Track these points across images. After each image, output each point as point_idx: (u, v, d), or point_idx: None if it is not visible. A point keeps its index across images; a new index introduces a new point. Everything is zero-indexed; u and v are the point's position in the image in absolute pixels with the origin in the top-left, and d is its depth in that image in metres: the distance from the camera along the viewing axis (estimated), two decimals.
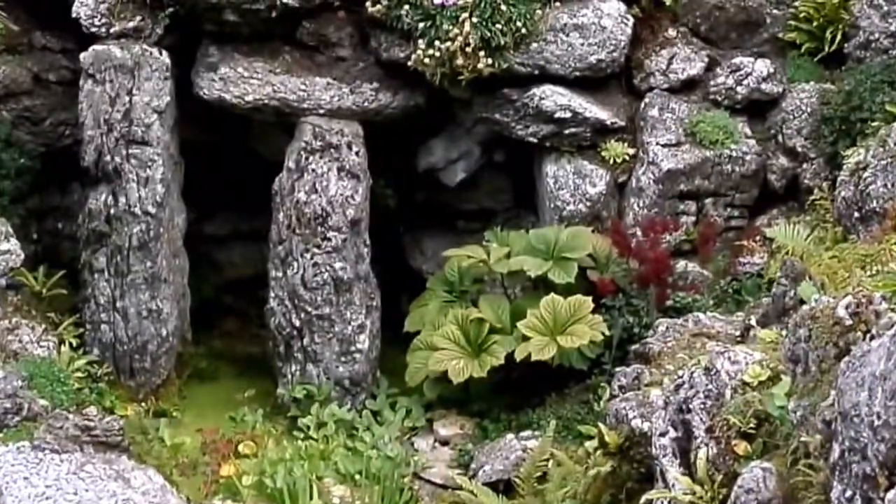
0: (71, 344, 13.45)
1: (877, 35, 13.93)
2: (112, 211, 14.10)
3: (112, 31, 14.13)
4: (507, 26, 13.84)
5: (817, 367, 7.58)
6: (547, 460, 11.74)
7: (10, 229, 12.61)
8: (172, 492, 11.28)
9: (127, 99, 14.00)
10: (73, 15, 14.21)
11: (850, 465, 6.18)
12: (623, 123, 14.63)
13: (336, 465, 13.04)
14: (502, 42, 13.87)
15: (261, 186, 14.52)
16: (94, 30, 14.20)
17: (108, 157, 14.07)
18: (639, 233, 14.05)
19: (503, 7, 13.78)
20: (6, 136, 14.13)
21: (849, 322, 7.42)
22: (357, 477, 12.89)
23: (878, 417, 5.99)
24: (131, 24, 14.12)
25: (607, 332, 13.30)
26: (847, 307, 7.52)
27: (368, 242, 14.51)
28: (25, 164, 14.33)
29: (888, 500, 5.65)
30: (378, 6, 13.99)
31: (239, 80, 14.34)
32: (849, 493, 6.21)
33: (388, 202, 15.26)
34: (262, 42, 14.57)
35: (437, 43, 13.75)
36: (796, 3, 14.42)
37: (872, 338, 6.42)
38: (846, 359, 6.49)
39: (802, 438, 7.21)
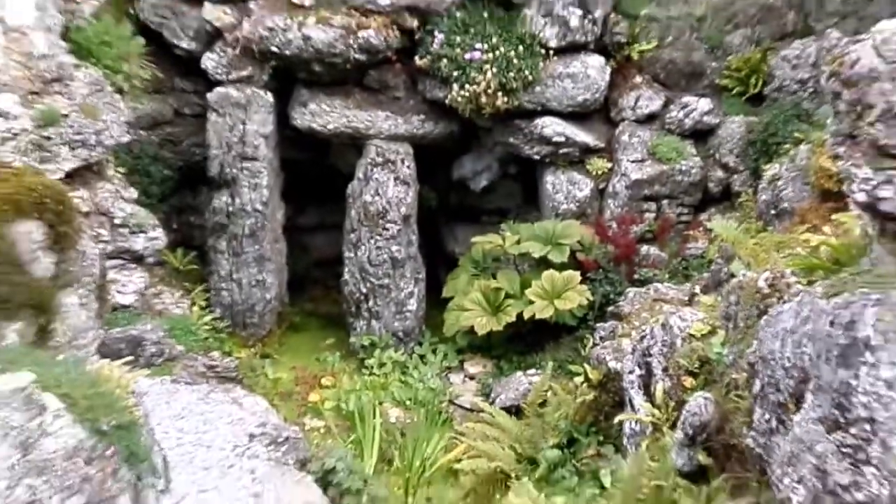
0: (200, 305, 13.65)
1: (787, 81, 14.04)
2: (230, 208, 14.38)
3: (230, 77, 14.35)
4: (517, 74, 14.07)
5: (744, 323, 7.88)
6: (546, 391, 11.98)
7: (157, 221, 12.72)
8: (273, 413, 11.58)
9: (241, 127, 14.22)
10: (202, 66, 14.46)
11: (768, 395, 6.49)
12: (603, 145, 14.81)
13: (392, 393, 13.35)
14: (514, 86, 14.10)
15: (338, 191, 14.73)
16: (217, 77, 14.40)
17: (227, 169, 14.29)
18: (614, 225, 14.36)
19: (515, 60, 14.02)
20: (154, 154, 14.32)
21: (767, 291, 7.75)
22: (408, 402, 13.22)
23: (788, 360, 6.33)
24: (244, 73, 14.34)
25: (591, 298, 13.60)
26: (766, 280, 7.86)
27: (416, 232, 14.71)
28: (168, 175, 14.52)
29: (795, 421, 5.99)
30: (424, 60, 14.26)
31: (322, 114, 14.53)
32: (767, 416, 6.52)
33: (430, 202, 15.45)
34: (339, 85, 14.67)
35: (466, 86, 13.99)
36: (729, 58, 14.59)
37: (784, 302, 6.78)
38: (765, 318, 6.79)
39: (733, 376, 7.53)
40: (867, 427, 5.62)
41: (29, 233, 9.06)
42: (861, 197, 5.35)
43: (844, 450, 5.69)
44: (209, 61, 14.49)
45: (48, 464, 8.18)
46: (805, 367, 6.12)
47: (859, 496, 5.54)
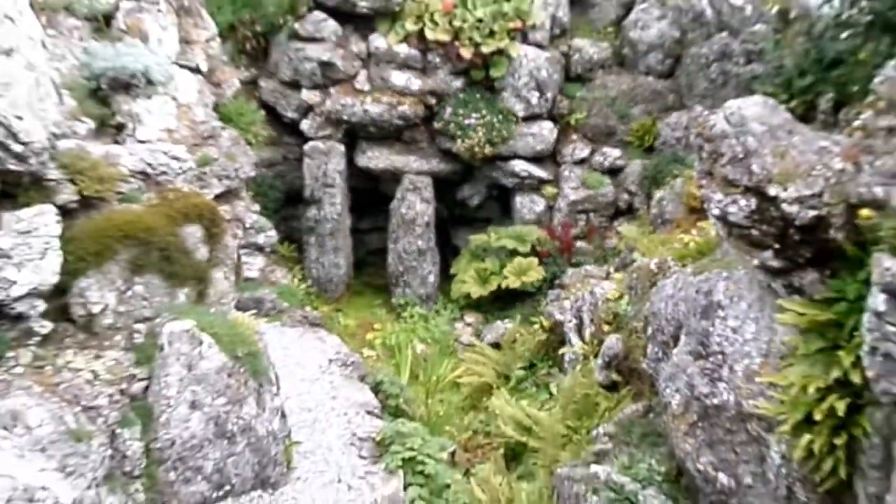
0: (298, 278, 13.65)
1: (668, 138, 14.00)
2: (317, 217, 14.41)
3: (318, 135, 14.33)
4: (498, 134, 14.02)
5: (641, 291, 7.96)
6: (516, 333, 12.08)
7: (271, 225, 12.75)
8: (343, 346, 11.65)
9: (324, 166, 14.21)
10: (301, 128, 14.45)
11: (656, 336, 6.57)
12: (552, 178, 14.68)
13: (418, 334, 13.36)
14: (496, 141, 14.06)
15: (385, 206, 14.70)
16: (309, 135, 14.40)
17: (315, 193, 14.33)
18: (559, 229, 14.25)
19: (496, 124, 13.98)
20: (270, 183, 14.21)
21: (655, 270, 7.82)
22: (428, 340, 13.24)
23: (669, 315, 6.42)
24: (326, 132, 14.33)
25: (544, 274, 13.61)
26: (655, 264, 7.94)
27: (433, 232, 14.62)
28: (278, 196, 14.44)
29: (674, 353, 6.05)
30: (439, 124, 14.19)
31: (375, 158, 14.52)
32: (656, 350, 6.60)
33: (443, 213, 15.26)
34: (385, 140, 14.58)
35: (466, 141, 13.96)
36: (631, 124, 14.49)
37: (666, 278, 6.86)
38: (654, 288, 6.89)
39: (634, 324, 7.62)
40: (720, 357, 5.69)
41: (193, 232, 9.12)
42: (716, 211, 5.38)
43: (705, 371, 5.75)
44: (304, 125, 14.55)
45: (204, 377, 8.28)
46: (679, 319, 6.19)
47: (715, 401, 5.60)
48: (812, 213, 4.99)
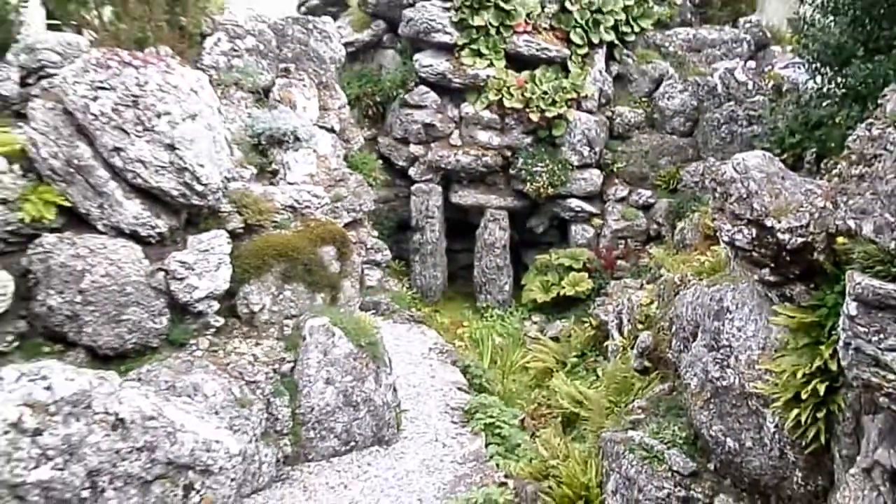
0: (405, 286, 13.77)
1: (689, 182, 13.77)
2: (421, 241, 14.39)
3: (422, 178, 14.36)
4: (558, 178, 13.91)
5: (667, 298, 7.82)
6: (571, 330, 12.03)
7: (386, 247, 12.90)
8: (440, 338, 11.71)
9: (427, 203, 14.24)
10: (409, 174, 14.54)
11: (678, 332, 6.49)
12: (599, 212, 14.45)
13: (496, 330, 13.19)
14: (556, 183, 13.94)
15: (472, 232, 14.62)
16: (416, 178, 14.43)
17: (420, 222, 14.35)
18: (604, 251, 14.05)
19: (557, 171, 13.88)
20: (385, 215, 14.36)
21: (678, 283, 7.68)
22: (504, 334, 13.06)
23: (689, 317, 6.33)
24: (428, 177, 14.36)
25: (592, 286, 13.41)
26: (678, 278, 7.79)
27: (508, 252, 14.46)
28: (391, 224, 14.58)
29: (692, 345, 5.99)
30: (514, 171, 14.13)
31: (465, 196, 14.49)
32: (678, 343, 6.52)
33: (516, 238, 15.05)
34: (472, 182, 14.53)
35: (533, 183, 13.88)
36: (660, 171, 14.30)
37: (687, 289, 6.76)
38: (678, 296, 6.79)
39: (661, 324, 7.50)
40: (728, 349, 5.63)
41: (329, 251, 9.29)
42: (726, 238, 5.36)
43: (716, 360, 5.70)
44: (412, 171, 14.67)
45: (336, 360, 8.42)
46: (697, 320, 6.13)
47: (724, 383, 5.59)
48: (800, 240, 4.96)
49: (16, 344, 7.34)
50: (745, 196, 5.29)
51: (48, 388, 4.53)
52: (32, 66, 8.79)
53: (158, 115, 7.58)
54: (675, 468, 5.75)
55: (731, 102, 14.04)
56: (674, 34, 15.31)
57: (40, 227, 7.52)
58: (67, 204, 7.62)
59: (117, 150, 7.54)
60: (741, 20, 15.53)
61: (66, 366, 4.85)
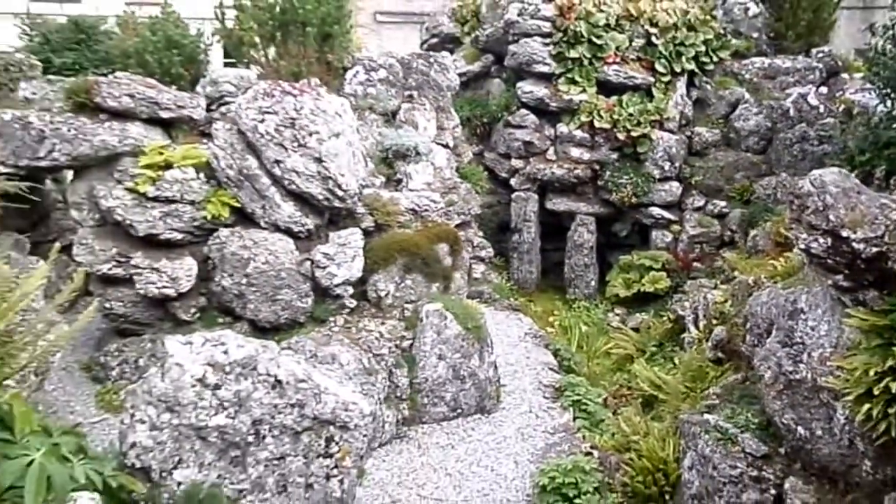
0: (505, 279, 13.60)
1: (762, 195, 13.25)
2: (518, 241, 14.23)
3: (521, 188, 14.23)
4: (641, 189, 13.57)
5: (741, 298, 7.52)
6: (650, 322, 11.75)
7: (489, 244, 12.82)
8: (534, 325, 11.57)
9: (525, 208, 14.10)
10: (510, 183, 14.41)
11: (753, 329, 6.22)
12: (677, 219, 13.96)
13: (583, 319, 12.94)
14: (640, 194, 13.59)
15: (563, 234, 14.40)
16: (516, 188, 14.31)
17: (518, 224, 14.19)
18: (681, 253, 13.60)
19: (640, 182, 13.56)
20: (489, 218, 14.03)
21: (752, 284, 7.38)
22: (590, 324, 12.79)
23: (763, 317, 6.06)
24: (526, 186, 14.21)
25: (670, 283, 12.98)
26: (752, 280, 7.48)
27: (595, 252, 14.13)
28: (494, 226, 14.24)
29: (766, 341, 5.72)
30: (601, 182, 13.83)
31: (558, 203, 14.26)
32: (752, 339, 6.25)
33: (601, 241, 14.76)
34: (565, 191, 14.24)
35: (619, 193, 13.60)
36: (734, 184, 13.79)
37: (760, 290, 6.48)
38: (751, 296, 6.50)
39: (734, 320, 7.22)
40: (801, 346, 5.37)
41: (443, 248, 9.33)
42: (802, 246, 5.07)
43: (790, 355, 5.44)
44: (512, 181, 14.52)
45: (447, 339, 8.45)
46: (771, 319, 5.86)
47: (797, 376, 5.30)
48: (875, 249, 4.64)
49: (197, 315, 7.81)
50: (821, 208, 4.99)
51: (225, 352, 4.76)
52: (215, 96, 9.30)
53: (310, 134, 7.86)
54: (747, 450, 5.49)
55: (803, 124, 13.33)
56: (750, 63, 14.64)
57: (218, 223, 7.94)
58: (238, 205, 8.01)
59: (277, 162, 7.85)
60: (813, 50, 14.78)
61: (237, 335, 5.08)
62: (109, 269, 7.94)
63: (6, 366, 3.21)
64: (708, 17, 14.23)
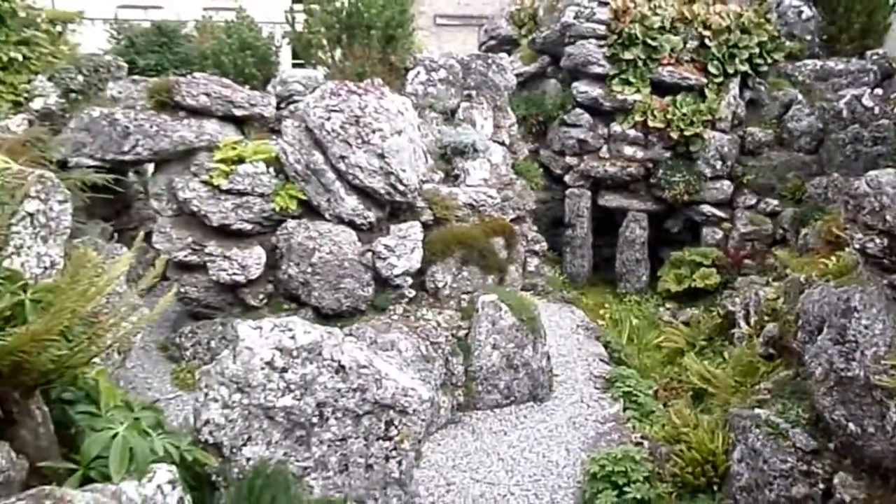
0: (558, 273, 13.47)
1: (814, 195, 12.84)
2: (571, 235, 14.09)
3: (574, 184, 14.06)
4: (693, 187, 13.30)
5: (793, 295, 7.30)
6: (700, 317, 11.50)
7: (544, 239, 12.73)
8: (586, 317, 11.45)
9: (578, 204, 13.95)
10: (564, 180, 14.26)
11: (804, 326, 6.04)
12: (728, 217, 13.62)
13: (634, 313, 12.73)
14: (691, 192, 13.31)
15: (615, 230, 14.20)
16: (569, 184, 14.18)
17: (572, 220, 14.07)
18: (732, 250, 13.21)
19: (692, 180, 13.28)
20: (542, 213, 13.86)
21: (803, 282, 7.15)
22: (640, 317, 12.58)
23: (815, 314, 5.88)
24: (580, 183, 14.02)
25: (720, 280, 12.64)
26: (803, 278, 7.25)
27: (647, 248, 13.91)
28: (548, 221, 14.13)
29: (818, 338, 5.56)
30: (654, 180, 13.55)
31: (611, 199, 14.04)
32: (803, 336, 6.07)
33: (653, 236, 14.43)
34: (617, 188, 14.03)
35: (671, 191, 13.35)
36: (787, 183, 13.38)
37: (812, 288, 6.28)
38: (803, 294, 6.31)
39: (786, 317, 7.01)
40: (853, 344, 5.19)
41: (498, 241, 9.32)
42: (857, 246, 4.90)
43: (842, 353, 5.26)
44: (566, 178, 14.34)
45: (501, 330, 8.39)
46: (823, 316, 5.67)
47: (849, 374, 5.12)
48: None
49: (265, 301, 8.01)
50: (878, 209, 4.81)
51: (292, 338, 4.87)
52: (285, 95, 9.51)
53: (373, 131, 7.94)
54: (797, 445, 5.35)
55: (857, 125, 12.84)
56: (803, 65, 14.28)
57: (286, 215, 8.14)
58: (304, 198, 8.18)
59: (342, 157, 7.97)
60: (868, 53, 14.26)
61: (304, 321, 5.19)
62: (185, 256, 8.24)
63: (93, 345, 3.37)
64: (762, 21, 13.83)
